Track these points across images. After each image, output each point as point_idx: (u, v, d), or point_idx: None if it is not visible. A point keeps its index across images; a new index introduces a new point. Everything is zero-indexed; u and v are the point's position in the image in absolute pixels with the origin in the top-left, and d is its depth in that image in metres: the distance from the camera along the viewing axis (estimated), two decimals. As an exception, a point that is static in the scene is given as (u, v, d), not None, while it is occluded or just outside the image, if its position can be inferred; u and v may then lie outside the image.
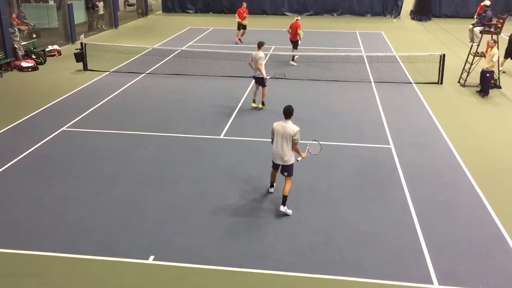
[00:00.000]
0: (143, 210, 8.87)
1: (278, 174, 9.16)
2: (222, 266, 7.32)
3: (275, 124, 8.92)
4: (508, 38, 18.79)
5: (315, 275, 7.13)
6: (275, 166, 9.13)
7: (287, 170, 8.86)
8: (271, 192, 9.56)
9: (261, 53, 13.72)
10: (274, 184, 9.54)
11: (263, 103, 14.32)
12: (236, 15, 24.48)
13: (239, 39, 24.46)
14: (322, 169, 10.54)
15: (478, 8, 24.64)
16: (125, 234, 8.13)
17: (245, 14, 24.19)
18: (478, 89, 16.25)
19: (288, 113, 8.73)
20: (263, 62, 13.66)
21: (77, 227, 8.31)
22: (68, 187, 9.70)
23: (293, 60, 19.95)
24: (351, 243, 7.93)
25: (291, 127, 8.63)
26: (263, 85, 14.18)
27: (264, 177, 10.10)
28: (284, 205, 8.79)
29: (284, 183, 8.88)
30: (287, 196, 8.78)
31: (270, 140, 9.06)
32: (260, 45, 13.94)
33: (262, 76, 13.87)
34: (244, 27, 24.43)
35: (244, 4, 24.74)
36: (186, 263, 7.39)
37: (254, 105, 14.30)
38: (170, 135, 12.41)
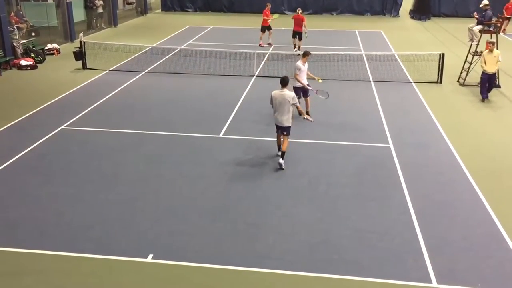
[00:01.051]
0: (142, 209, 8.88)
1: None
2: (221, 265, 7.33)
3: (273, 92, 10.45)
4: None
5: (314, 274, 7.15)
6: (278, 129, 10.67)
7: (286, 130, 10.51)
8: (279, 155, 10.66)
9: (298, 63, 13.07)
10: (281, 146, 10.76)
11: (307, 113, 13.11)
12: (264, 16, 23.54)
13: (268, 43, 23.59)
14: (321, 168, 10.55)
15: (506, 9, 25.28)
16: (124, 232, 8.14)
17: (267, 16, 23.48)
18: (478, 88, 16.24)
19: (284, 82, 10.33)
20: (299, 72, 12.92)
21: (76, 226, 8.31)
22: (67, 185, 9.70)
23: (298, 49, 21.25)
24: (350, 242, 7.94)
25: (288, 93, 10.28)
26: (306, 95, 13.34)
27: (264, 176, 10.12)
28: (282, 159, 10.49)
29: (283, 141, 10.57)
30: (285, 152, 10.54)
31: (271, 105, 10.58)
32: (303, 54, 13.25)
33: (301, 86, 13.06)
34: (268, 28, 23.61)
35: (269, 5, 24.00)
36: (185, 261, 7.40)
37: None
38: (170, 133, 12.41)
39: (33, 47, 20.43)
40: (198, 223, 8.44)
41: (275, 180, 10.01)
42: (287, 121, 10.36)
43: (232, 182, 9.92)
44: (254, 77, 17.76)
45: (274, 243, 7.90)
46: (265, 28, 23.55)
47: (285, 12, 35.21)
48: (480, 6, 20.66)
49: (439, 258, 7.56)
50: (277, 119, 10.46)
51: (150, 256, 7.50)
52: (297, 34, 21.53)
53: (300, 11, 21.96)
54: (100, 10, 27.78)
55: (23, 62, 18.91)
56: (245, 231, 8.24)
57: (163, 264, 7.36)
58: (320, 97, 13.08)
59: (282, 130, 10.53)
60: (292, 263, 7.40)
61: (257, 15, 34.30)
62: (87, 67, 18.75)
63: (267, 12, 23.56)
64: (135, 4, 35.52)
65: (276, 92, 10.36)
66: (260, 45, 23.48)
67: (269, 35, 23.68)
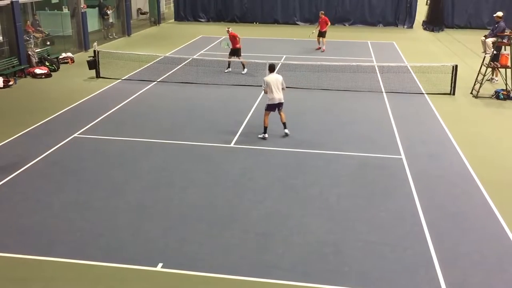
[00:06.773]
0: (152, 217, 8.89)
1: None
2: (230, 275, 7.29)
3: (266, 77, 12.27)
4: None
5: (324, 286, 7.08)
6: (273, 109, 12.43)
7: (282, 105, 12.47)
8: (266, 138, 12.39)
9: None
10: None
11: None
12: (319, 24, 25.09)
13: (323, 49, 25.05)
14: (331, 179, 10.49)
15: None
16: (134, 240, 8.14)
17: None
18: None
19: (274, 67, 12.54)
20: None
21: (86, 233, 8.34)
22: (78, 193, 9.75)
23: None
24: (361, 253, 7.87)
25: (278, 76, 12.43)
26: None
27: (275, 185, 10.09)
28: (286, 128, 12.58)
29: (281, 115, 12.52)
30: (285, 122, 12.56)
31: (263, 88, 12.33)
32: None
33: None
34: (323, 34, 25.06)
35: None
36: (194, 271, 7.38)
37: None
38: (181, 142, 12.44)
39: (48, 55, 20.69)
40: (208, 232, 8.42)
41: (286, 190, 9.98)
42: (283, 98, 12.40)
43: (242, 192, 9.90)
44: (266, 87, 17.75)
45: (284, 253, 7.85)
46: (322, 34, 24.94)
47: (297, 22, 35.32)
48: (494, 15, 20.53)
49: (451, 271, 7.45)
50: (275, 98, 12.20)
51: (160, 264, 7.49)
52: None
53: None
54: (110, 19, 28.02)
55: (38, 71, 19.13)
56: (255, 241, 8.20)
57: (173, 273, 7.34)
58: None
59: (279, 106, 12.41)
60: (302, 274, 7.34)
61: (268, 25, 34.52)
62: (101, 76, 18.91)
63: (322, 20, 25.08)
64: (148, 14, 35.85)
65: (270, 77, 12.24)
66: (323, 50, 25.02)
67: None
